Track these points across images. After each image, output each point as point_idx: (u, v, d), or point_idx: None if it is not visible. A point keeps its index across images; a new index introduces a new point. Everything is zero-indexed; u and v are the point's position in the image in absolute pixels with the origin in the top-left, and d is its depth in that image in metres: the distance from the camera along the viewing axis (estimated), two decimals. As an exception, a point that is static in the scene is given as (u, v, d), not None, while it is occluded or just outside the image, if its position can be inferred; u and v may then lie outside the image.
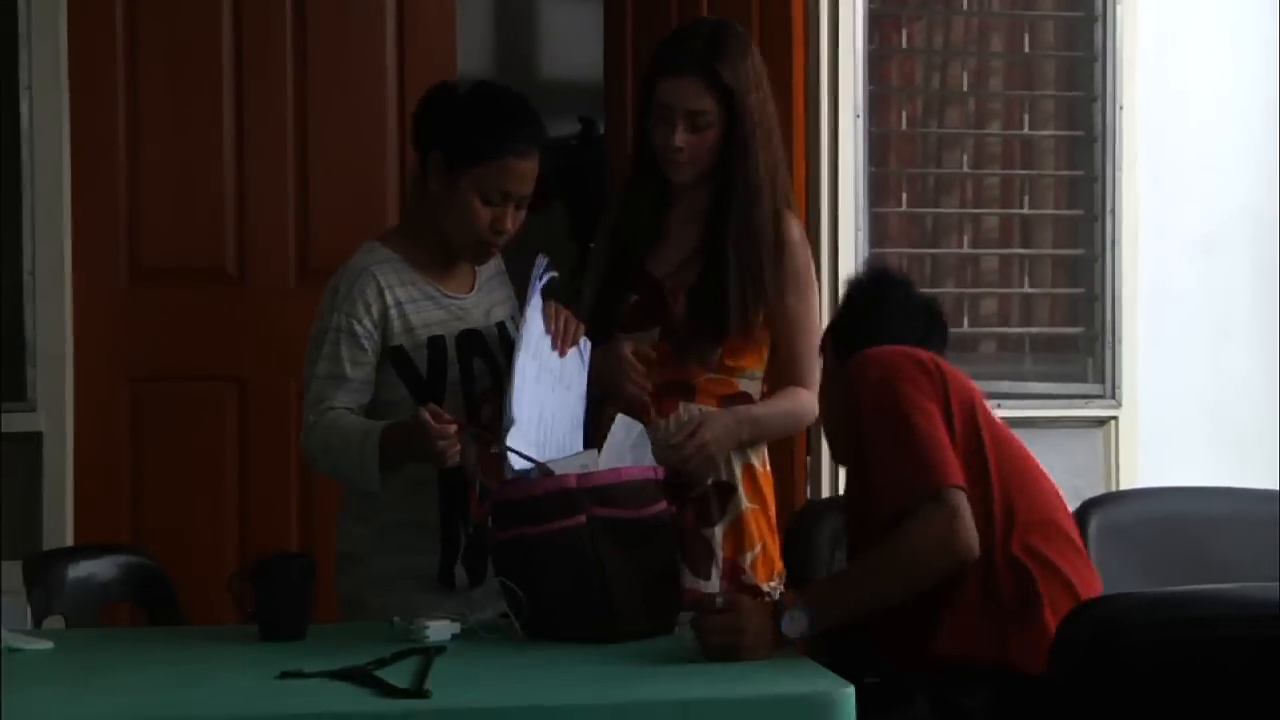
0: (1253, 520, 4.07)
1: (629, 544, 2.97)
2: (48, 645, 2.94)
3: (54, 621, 3.34)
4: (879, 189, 4.97)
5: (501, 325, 3.38)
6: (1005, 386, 5.00)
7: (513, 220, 3.25)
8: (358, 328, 3.23)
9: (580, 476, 2.99)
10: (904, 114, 5.03)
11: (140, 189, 4.70)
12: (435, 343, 3.27)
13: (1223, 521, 4.06)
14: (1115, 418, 5.05)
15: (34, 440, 4.44)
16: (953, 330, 4.97)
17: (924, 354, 3.11)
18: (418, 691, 2.55)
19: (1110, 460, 5.04)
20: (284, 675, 2.67)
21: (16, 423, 4.42)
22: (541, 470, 2.98)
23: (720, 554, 3.39)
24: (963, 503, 2.90)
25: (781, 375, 3.50)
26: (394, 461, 3.15)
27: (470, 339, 3.31)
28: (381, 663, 2.73)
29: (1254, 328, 5.19)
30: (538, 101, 7.23)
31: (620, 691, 2.58)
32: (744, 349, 3.43)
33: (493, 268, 3.43)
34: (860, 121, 4.88)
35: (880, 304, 3.27)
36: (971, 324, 5.09)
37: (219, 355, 4.64)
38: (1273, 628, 2.69)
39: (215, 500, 4.67)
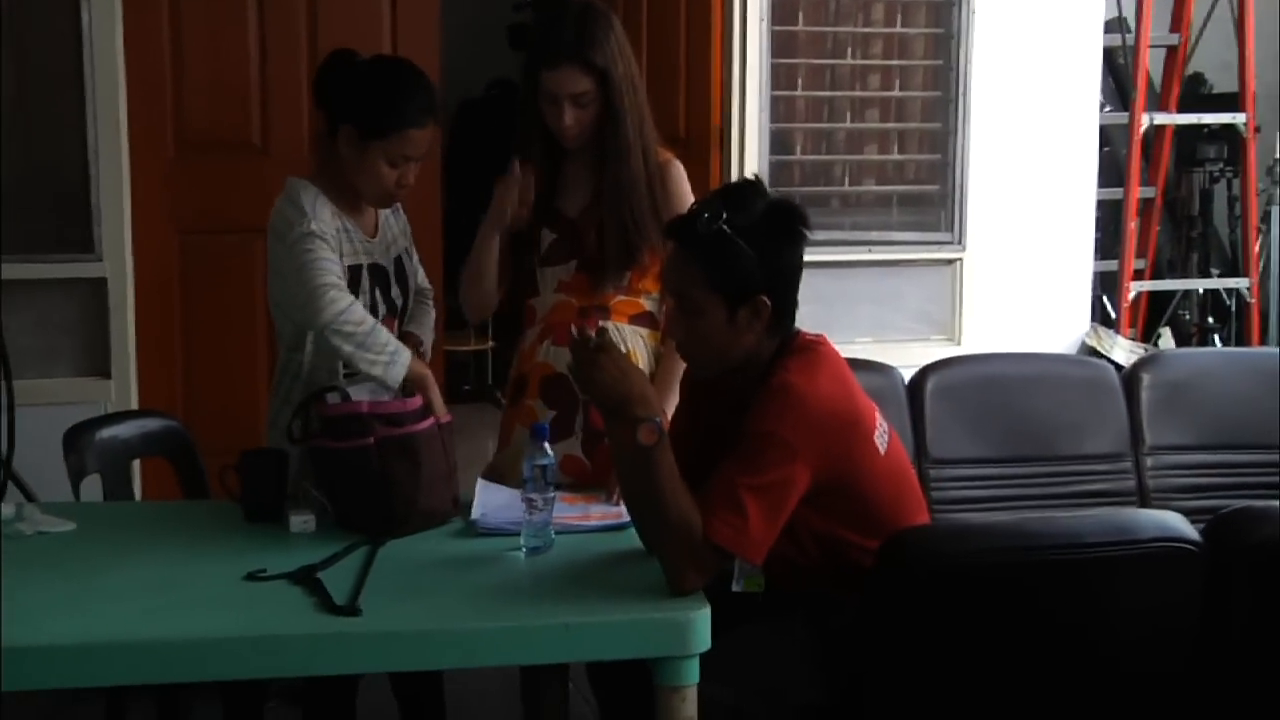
0: (1055, 379, 3.77)
1: (410, 457, 2.63)
2: (70, 527, 2.65)
3: (92, 480, 3.02)
4: (780, 77, 4.51)
5: (398, 259, 3.05)
6: (877, 235, 4.66)
7: (413, 174, 2.90)
8: (327, 234, 2.82)
9: (371, 404, 2.67)
10: (801, 16, 4.53)
11: (183, 78, 4.24)
12: (353, 271, 2.90)
13: (1032, 381, 3.74)
14: (961, 259, 4.71)
15: (100, 284, 4.07)
16: (840, 189, 4.65)
17: (843, 419, 2.44)
18: (350, 609, 2.27)
19: (956, 291, 4.73)
20: (249, 576, 2.40)
21: (86, 270, 4.04)
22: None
23: None
24: (717, 565, 2.36)
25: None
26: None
27: (377, 272, 2.96)
28: (335, 558, 2.48)
29: (1072, 192, 4.80)
30: (511, 19, 6.82)
31: (512, 616, 2.28)
32: (645, 274, 3.04)
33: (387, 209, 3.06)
34: (764, 24, 4.41)
35: (748, 241, 2.42)
36: (854, 183, 4.68)
37: (247, 211, 4.17)
38: (1040, 555, 2.39)
39: (247, 324, 4.30)
